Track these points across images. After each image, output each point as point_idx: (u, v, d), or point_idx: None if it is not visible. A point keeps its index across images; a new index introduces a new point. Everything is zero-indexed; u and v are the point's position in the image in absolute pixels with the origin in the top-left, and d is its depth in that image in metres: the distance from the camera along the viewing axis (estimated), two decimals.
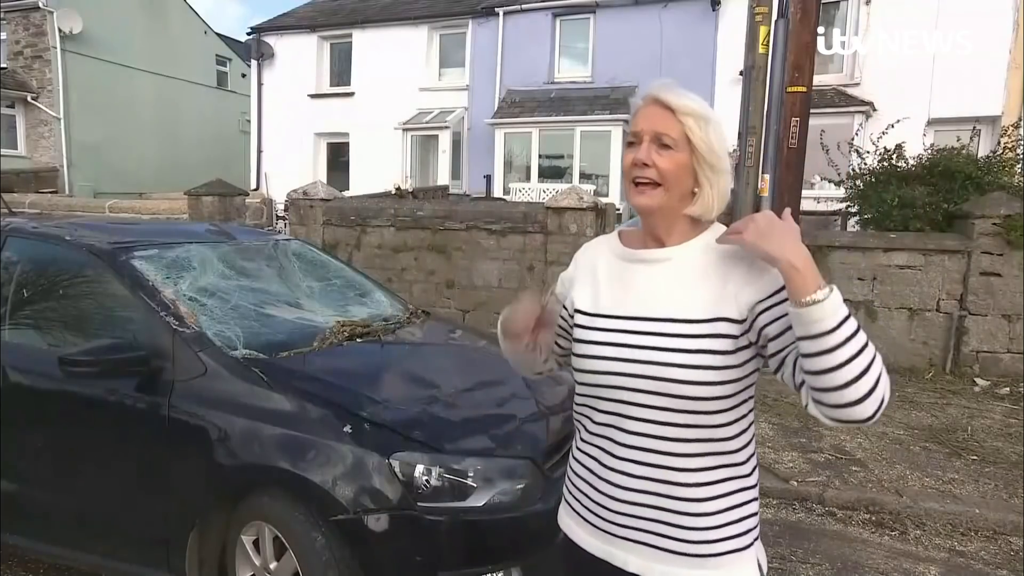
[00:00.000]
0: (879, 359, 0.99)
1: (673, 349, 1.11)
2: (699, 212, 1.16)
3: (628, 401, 1.15)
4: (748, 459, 1.18)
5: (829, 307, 0.97)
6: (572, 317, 1.28)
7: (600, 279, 1.25)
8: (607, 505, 1.20)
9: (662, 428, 1.13)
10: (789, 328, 1.04)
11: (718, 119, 1.14)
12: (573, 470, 1.29)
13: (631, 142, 1.18)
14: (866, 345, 0.98)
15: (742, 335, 1.10)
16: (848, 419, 1.01)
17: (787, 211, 1.14)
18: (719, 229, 1.19)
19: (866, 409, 0.99)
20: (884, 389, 0.99)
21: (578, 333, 1.24)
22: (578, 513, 1.27)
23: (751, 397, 1.16)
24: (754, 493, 1.19)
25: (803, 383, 1.05)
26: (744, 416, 1.16)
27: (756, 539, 1.18)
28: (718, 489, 1.14)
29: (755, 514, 1.18)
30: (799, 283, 0.99)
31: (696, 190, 1.15)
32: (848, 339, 0.97)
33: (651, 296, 1.17)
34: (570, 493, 1.30)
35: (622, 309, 1.19)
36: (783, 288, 1.04)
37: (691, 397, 1.10)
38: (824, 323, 0.97)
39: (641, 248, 1.22)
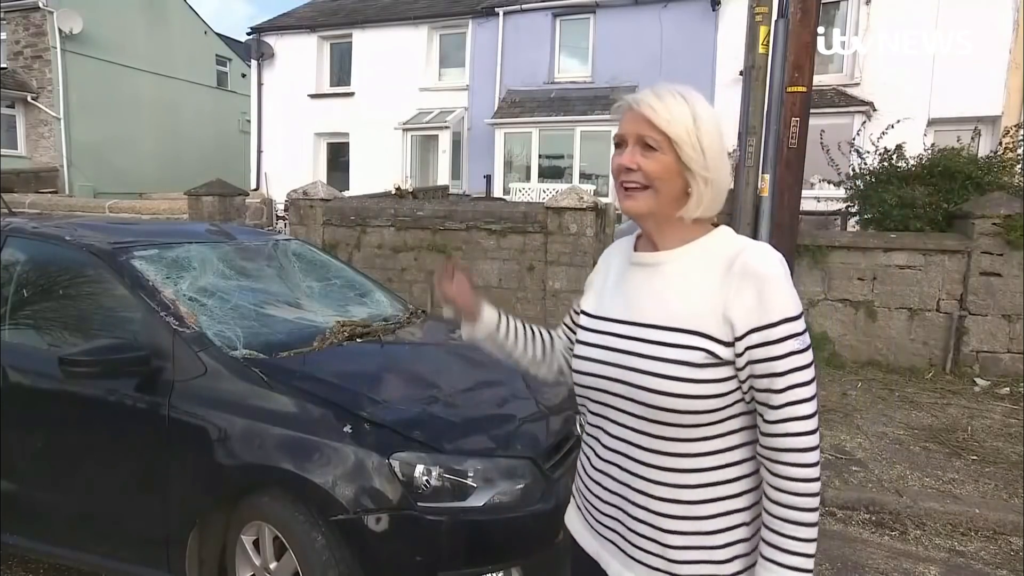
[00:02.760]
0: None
1: (649, 356, 1.09)
2: (691, 214, 1.11)
3: (610, 405, 1.16)
4: (737, 479, 1.10)
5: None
6: (580, 310, 1.31)
7: (609, 281, 1.26)
8: (596, 505, 1.22)
9: (638, 436, 1.12)
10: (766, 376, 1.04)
11: (709, 115, 1.09)
12: (579, 463, 1.32)
13: (617, 144, 1.16)
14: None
15: (725, 356, 1.05)
16: None
17: None
18: (722, 233, 1.14)
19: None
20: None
21: (578, 333, 1.26)
22: (578, 507, 1.30)
23: (743, 414, 1.09)
24: (744, 517, 1.10)
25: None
26: (731, 434, 1.09)
27: (745, 568, 1.10)
28: (697, 510, 1.09)
29: (744, 540, 1.10)
30: None
31: (689, 191, 1.11)
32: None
33: (640, 300, 1.15)
34: (575, 487, 1.33)
35: (615, 312, 1.19)
36: (782, 324, 1.03)
37: (663, 408, 1.07)
38: None
39: (641, 251, 1.21)
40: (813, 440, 1.04)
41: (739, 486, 1.10)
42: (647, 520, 1.12)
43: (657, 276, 1.15)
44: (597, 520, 1.22)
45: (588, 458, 1.24)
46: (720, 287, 1.06)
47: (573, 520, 1.32)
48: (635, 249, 1.22)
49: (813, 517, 1.04)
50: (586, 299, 1.30)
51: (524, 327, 1.45)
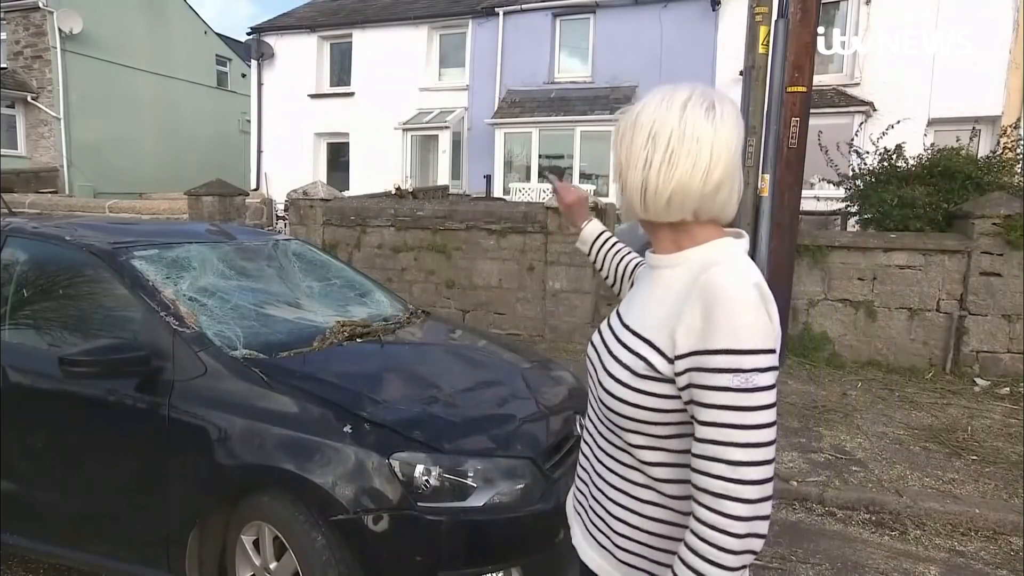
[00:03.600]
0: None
1: (613, 356, 1.11)
2: (621, 208, 1.15)
3: (591, 398, 1.21)
4: (685, 497, 1.03)
5: None
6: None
7: (637, 277, 1.32)
8: (577, 475, 1.29)
9: (599, 427, 1.17)
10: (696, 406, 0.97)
11: (638, 123, 1.06)
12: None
13: None
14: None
15: (665, 372, 1.01)
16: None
17: None
18: (718, 246, 1.07)
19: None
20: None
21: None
22: (575, 500, 1.32)
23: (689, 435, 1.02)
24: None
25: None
26: (684, 452, 1.02)
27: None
28: (643, 508, 1.10)
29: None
30: None
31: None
32: None
33: (635, 302, 1.17)
34: (574, 483, 1.35)
35: (622, 308, 1.22)
36: (722, 355, 0.92)
37: (608, 408, 1.09)
38: None
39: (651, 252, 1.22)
40: (739, 490, 0.91)
41: (686, 504, 1.02)
42: (601, 503, 1.16)
43: (651, 280, 1.15)
44: (574, 493, 1.29)
45: (581, 449, 1.30)
46: (679, 300, 1.02)
47: (570, 510, 1.35)
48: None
49: (719, 574, 0.93)
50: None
51: (613, 254, 1.61)
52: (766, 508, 0.93)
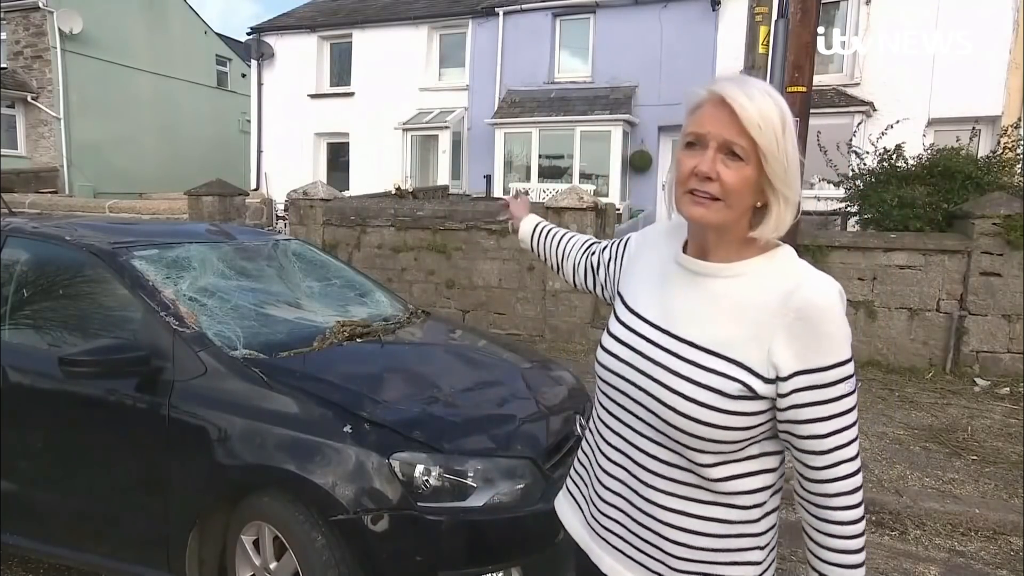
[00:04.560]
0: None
1: (682, 376, 1.01)
2: (766, 235, 1.01)
3: (628, 409, 1.10)
4: (755, 505, 1.05)
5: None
6: (617, 290, 1.27)
7: (645, 274, 1.19)
8: (595, 501, 1.19)
9: (652, 446, 1.07)
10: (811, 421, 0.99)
11: (792, 121, 0.98)
12: (580, 450, 1.29)
13: (691, 143, 1.02)
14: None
15: (763, 393, 0.99)
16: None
17: None
18: (783, 256, 1.04)
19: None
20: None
21: (609, 321, 1.21)
22: (571, 495, 1.28)
23: (768, 440, 1.05)
24: (758, 542, 1.07)
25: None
26: (752, 459, 1.04)
27: None
28: (706, 526, 1.05)
29: (757, 563, 1.07)
30: None
31: (759, 205, 1.01)
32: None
33: (681, 311, 1.07)
34: (573, 473, 1.30)
35: (651, 314, 1.11)
36: (835, 368, 0.97)
37: (685, 432, 1.01)
38: None
39: (689, 256, 1.10)
40: (859, 479, 1.02)
41: (756, 512, 1.06)
42: (651, 527, 1.08)
43: (704, 289, 1.05)
44: (594, 516, 1.18)
45: (593, 450, 1.20)
46: (771, 319, 0.98)
47: (563, 506, 1.30)
48: (683, 250, 1.12)
49: (862, 556, 1.02)
50: (626, 282, 1.24)
51: (551, 240, 1.62)
52: None
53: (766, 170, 0.97)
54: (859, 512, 1.01)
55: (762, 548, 1.08)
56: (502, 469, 2.12)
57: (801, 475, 1.04)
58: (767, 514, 1.08)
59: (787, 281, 1.00)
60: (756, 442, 1.04)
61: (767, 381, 0.98)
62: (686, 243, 1.13)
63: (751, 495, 1.05)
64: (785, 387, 0.98)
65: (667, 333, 1.06)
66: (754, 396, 0.99)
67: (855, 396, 1.00)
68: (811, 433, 0.99)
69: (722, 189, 0.98)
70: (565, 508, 1.30)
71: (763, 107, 0.96)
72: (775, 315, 0.98)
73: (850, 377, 0.98)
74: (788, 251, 1.06)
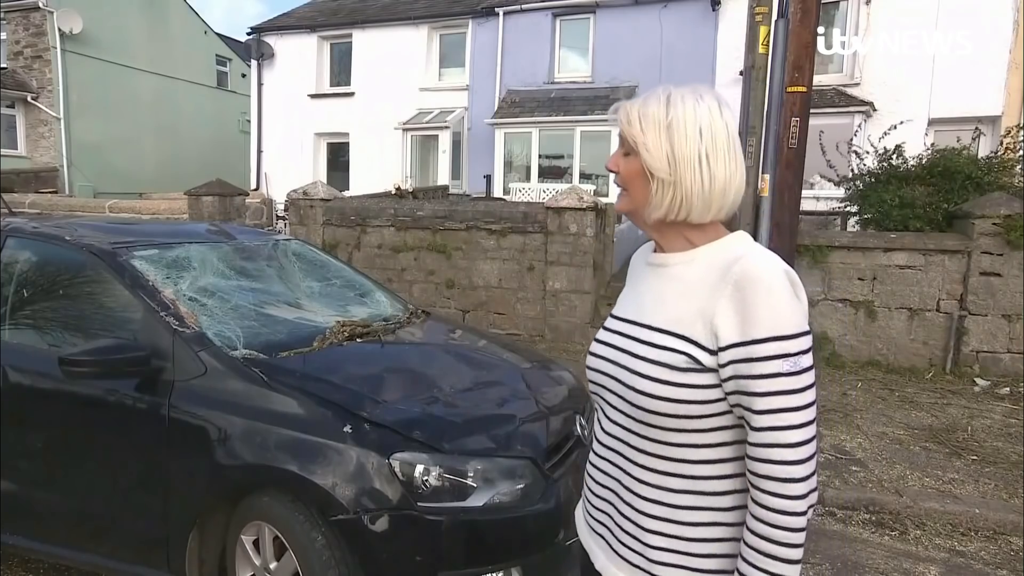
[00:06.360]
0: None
1: (639, 356, 1.09)
2: (651, 216, 1.11)
3: (608, 401, 1.18)
4: (725, 492, 1.07)
5: None
6: None
7: (634, 280, 1.28)
8: (590, 498, 1.25)
9: (628, 435, 1.13)
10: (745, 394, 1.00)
11: (692, 119, 1.05)
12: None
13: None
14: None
15: (708, 364, 1.02)
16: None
17: None
18: (732, 240, 1.11)
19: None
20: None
21: (600, 328, 1.29)
22: (584, 497, 1.31)
23: (736, 427, 1.05)
24: (729, 532, 1.07)
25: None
26: (722, 446, 1.06)
27: (723, 574, 1.07)
28: (680, 514, 1.08)
29: (727, 554, 1.08)
30: None
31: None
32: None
33: (645, 300, 1.16)
34: (584, 484, 1.34)
35: (628, 311, 1.20)
36: (769, 342, 0.97)
37: (645, 409, 1.06)
38: None
39: (656, 252, 1.21)
40: (798, 470, 0.97)
41: (728, 500, 1.07)
42: (631, 518, 1.12)
43: (663, 278, 1.14)
44: (590, 513, 1.24)
45: (592, 451, 1.27)
46: (712, 291, 1.03)
47: (578, 511, 1.34)
48: (653, 250, 1.23)
49: (791, 553, 0.98)
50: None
51: None
52: (815, 481, 1.00)
53: (643, 158, 1.08)
54: (792, 506, 0.97)
55: (733, 537, 1.07)
56: (502, 469, 2.12)
57: (747, 451, 1.03)
58: (738, 504, 1.07)
59: (731, 255, 1.06)
60: (724, 428, 1.05)
61: (711, 352, 1.02)
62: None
63: (722, 480, 1.07)
64: (723, 357, 1.01)
65: (637, 324, 1.14)
66: (701, 368, 1.03)
67: (803, 378, 0.98)
68: (746, 406, 1.00)
69: (622, 179, 1.14)
70: (578, 510, 1.34)
71: (648, 108, 1.08)
72: (716, 287, 1.03)
73: (791, 355, 0.97)
74: (740, 235, 1.13)
